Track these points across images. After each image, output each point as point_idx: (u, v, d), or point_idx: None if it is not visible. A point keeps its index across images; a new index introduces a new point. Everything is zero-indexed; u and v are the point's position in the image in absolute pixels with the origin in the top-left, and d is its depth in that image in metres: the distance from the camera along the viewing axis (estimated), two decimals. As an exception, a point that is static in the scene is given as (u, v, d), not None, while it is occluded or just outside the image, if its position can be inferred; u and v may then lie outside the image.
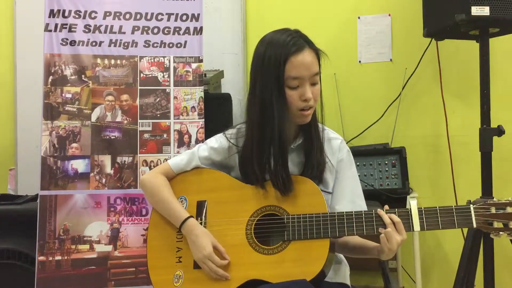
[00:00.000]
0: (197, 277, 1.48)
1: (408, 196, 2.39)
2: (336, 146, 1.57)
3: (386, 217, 1.36)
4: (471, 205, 1.35)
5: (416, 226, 1.36)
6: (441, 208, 1.36)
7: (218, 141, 1.62)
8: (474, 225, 1.34)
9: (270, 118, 1.43)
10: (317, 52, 1.46)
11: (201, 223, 1.53)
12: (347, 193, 1.55)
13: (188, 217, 1.51)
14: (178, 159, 1.64)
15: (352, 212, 1.41)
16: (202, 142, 1.69)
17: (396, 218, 1.35)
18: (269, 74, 1.42)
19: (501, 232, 1.33)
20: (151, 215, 1.63)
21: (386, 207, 1.40)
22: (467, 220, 1.35)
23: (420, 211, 1.36)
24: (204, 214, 1.54)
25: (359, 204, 1.54)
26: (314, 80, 1.44)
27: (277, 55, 1.40)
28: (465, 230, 2.17)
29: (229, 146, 1.59)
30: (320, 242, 1.40)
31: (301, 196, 1.45)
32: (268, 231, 1.46)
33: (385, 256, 1.39)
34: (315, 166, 1.49)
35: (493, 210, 1.34)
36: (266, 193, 1.48)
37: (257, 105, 1.46)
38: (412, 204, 1.38)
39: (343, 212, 1.41)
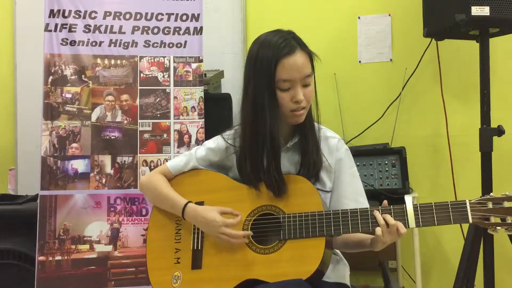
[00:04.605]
0: (195, 277, 1.49)
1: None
2: (333, 145, 1.57)
3: (380, 218, 1.36)
4: (467, 201, 1.34)
5: (412, 223, 1.35)
6: (436, 204, 1.35)
7: (215, 142, 1.62)
8: (470, 221, 1.32)
9: (262, 120, 1.43)
10: (309, 54, 1.46)
11: None
12: (349, 192, 1.55)
13: (187, 203, 1.52)
14: (176, 160, 1.65)
15: (347, 210, 1.41)
16: (202, 142, 1.69)
17: (391, 220, 1.34)
18: (261, 75, 1.42)
19: (498, 227, 1.31)
20: (150, 217, 1.64)
21: (385, 202, 1.40)
22: (463, 215, 1.33)
23: (415, 207, 1.36)
24: None
25: (362, 202, 1.54)
26: (306, 82, 1.44)
27: (268, 57, 1.40)
28: (465, 229, 2.17)
29: (227, 147, 1.59)
30: (316, 241, 1.40)
31: (297, 195, 1.46)
32: (265, 231, 1.47)
33: (377, 249, 1.42)
34: (311, 165, 1.49)
35: (490, 205, 1.33)
36: (262, 193, 1.49)
37: (250, 106, 1.46)
38: (407, 200, 1.37)
39: (338, 211, 1.41)
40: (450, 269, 2.66)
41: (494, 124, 2.14)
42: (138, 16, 2.52)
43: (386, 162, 2.52)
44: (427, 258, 2.81)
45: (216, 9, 3.02)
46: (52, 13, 2.46)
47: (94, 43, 2.49)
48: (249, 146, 1.48)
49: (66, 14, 2.47)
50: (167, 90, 2.50)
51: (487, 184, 2.12)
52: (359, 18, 2.91)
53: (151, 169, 2.40)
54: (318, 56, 1.49)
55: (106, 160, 2.44)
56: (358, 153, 2.49)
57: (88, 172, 2.42)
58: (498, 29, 2.18)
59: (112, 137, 2.45)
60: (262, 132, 1.44)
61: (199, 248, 1.52)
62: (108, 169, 2.43)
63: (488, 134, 2.12)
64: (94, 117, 2.45)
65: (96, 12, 2.49)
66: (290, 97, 1.43)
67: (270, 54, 1.40)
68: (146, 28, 2.52)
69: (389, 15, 2.87)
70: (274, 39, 1.43)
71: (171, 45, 2.52)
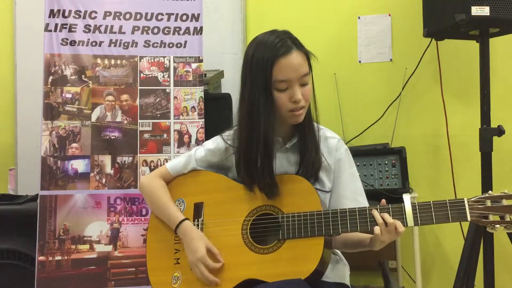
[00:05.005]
0: (194, 278, 1.49)
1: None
2: (332, 145, 1.57)
3: (378, 217, 1.36)
4: (465, 199, 1.33)
5: (410, 221, 1.35)
6: (435, 203, 1.35)
7: (215, 142, 1.62)
8: (468, 219, 1.32)
9: (257, 121, 1.43)
10: (306, 53, 1.45)
11: (198, 225, 1.54)
12: (348, 192, 1.55)
13: (183, 220, 1.52)
14: (175, 162, 1.65)
15: (346, 209, 1.41)
16: (202, 142, 1.69)
17: (389, 219, 1.35)
18: (256, 77, 1.41)
19: (497, 225, 1.31)
20: (150, 218, 1.64)
21: (383, 201, 1.40)
22: (461, 214, 1.32)
23: (413, 206, 1.35)
24: (201, 216, 1.55)
25: (361, 202, 1.54)
26: (304, 81, 1.43)
27: (264, 58, 1.40)
28: (466, 229, 2.17)
29: (226, 147, 1.59)
30: (314, 241, 1.40)
31: (296, 195, 1.46)
32: (264, 231, 1.47)
33: (376, 248, 1.42)
34: (310, 165, 1.49)
35: (488, 203, 1.33)
36: (261, 193, 1.49)
37: (245, 108, 1.46)
38: (406, 199, 1.37)
39: (336, 210, 1.41)
40: (450, 269, 2.66)
41: (494, 124, 2.14)
42: (138, 16, 2.52)
43: (386, 162, 2.52)
44: (427, 258, 2.81)
45: (216, 9, 3.02)
46: (52, 13, 2.46)
47: (94, 43, 2.48)
48: (244, 148, 1.48)
49: (66, 14, 2.47)
50: (167, 90, 2.50)
51: (487, 184, 2.12)
52: (359, 18, 2.91)
53: (151, 169, 2.40)
54: (316, 55, 1.48)
55: (106, 160, 2.44)
56: (358, 153, 2.50)
57: (88, 172, 2.42)
58: (498, 29, 2.18)
59: (112, 137, 2.45)
60: (256, 134, 1.43)
61: (199, 248, 1.52)
62: (108, 169, 2.43)
63: (488, 134, 2.12)
64: (94, 117, 2.45)
65: (96, 12, 2.49)
66: (288, 97, 1.42)
67: (266, 55, 1.40)
68: (146, 28, 2.52)
69: (389, 15, 2.87)
70: (270, 40, 1.42)
71: (171, 45, 2.52)
